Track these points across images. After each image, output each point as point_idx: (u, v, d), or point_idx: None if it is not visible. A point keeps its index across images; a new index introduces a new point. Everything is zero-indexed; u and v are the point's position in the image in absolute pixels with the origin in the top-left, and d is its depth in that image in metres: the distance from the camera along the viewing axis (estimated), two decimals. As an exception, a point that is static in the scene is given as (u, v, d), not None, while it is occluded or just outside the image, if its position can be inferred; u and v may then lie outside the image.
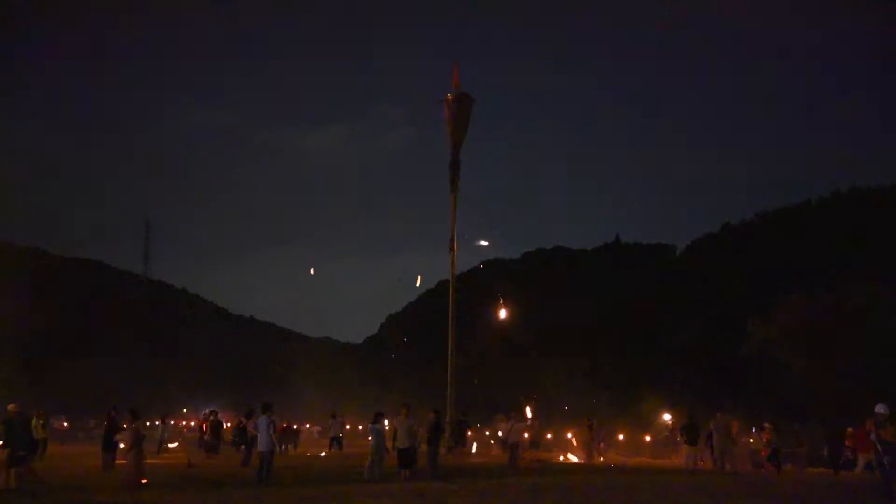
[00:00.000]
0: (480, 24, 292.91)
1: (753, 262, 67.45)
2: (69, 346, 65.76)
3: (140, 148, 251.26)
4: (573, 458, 25.83)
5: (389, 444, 14.90)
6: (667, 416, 34.31)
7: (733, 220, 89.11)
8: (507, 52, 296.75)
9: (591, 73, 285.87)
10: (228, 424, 28.89)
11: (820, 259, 56.55)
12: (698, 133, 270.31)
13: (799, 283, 42.22)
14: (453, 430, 23.05)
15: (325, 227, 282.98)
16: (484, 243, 33.87)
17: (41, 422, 19.37)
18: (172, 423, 35.64)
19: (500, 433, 25.37)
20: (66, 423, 45.20)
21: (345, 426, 30.56)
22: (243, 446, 19.62)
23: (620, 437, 37.37)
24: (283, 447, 23.35)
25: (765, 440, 20.45)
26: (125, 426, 13.87)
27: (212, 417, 24.58)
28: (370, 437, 15.54)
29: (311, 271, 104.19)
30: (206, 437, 24.10)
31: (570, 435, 32.03)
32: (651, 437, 36.10)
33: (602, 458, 25.32)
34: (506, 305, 33.59)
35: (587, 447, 24.59)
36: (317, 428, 42.47)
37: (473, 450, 26.30)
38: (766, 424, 20.73)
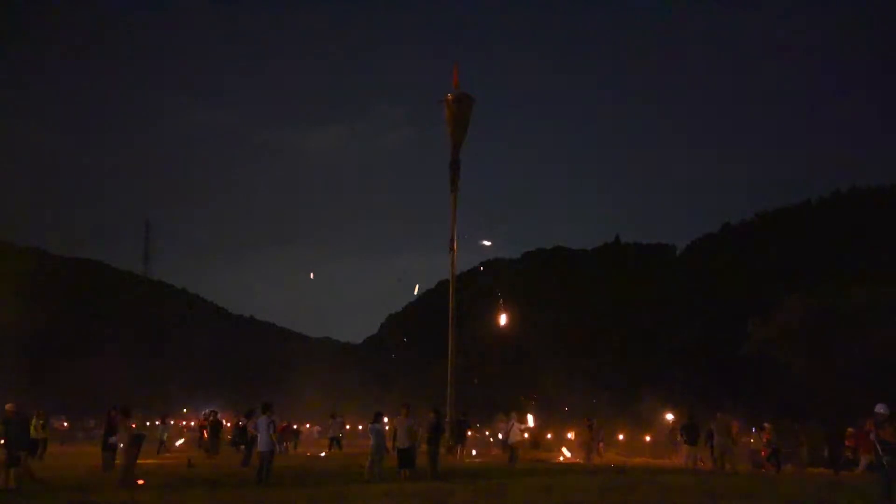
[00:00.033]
0: (480, 24, 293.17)
1: (753, 262, 67.45)
2: (69, 346, 65.74)
3: (140, 148, 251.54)
4: (567, 453, 25.92)
5: (389, 444, 14.90)
6: (669, 416, 34.26)
7: (733, 220, 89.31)
8: (507, 52, 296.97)
9: (591, 73, 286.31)
10: (228, 424, 28.92)
11: (820, 259, 56.58)
12: (698, 133, 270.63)
13: (799, 283, 42.27)
14: (453, 430, 23.04)
15: (325, 227, 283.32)
16: (487, 243, 33.94)
17: (41, 422, 19.39)
18: (173, 422, 35.64)
19: (500, 434, 25.37)
20: (66, 423, 45.12)
21: (344, 426, 30.57)
22: (243, 446, 19.64)
23: (620, 437, 37.34)
24: (283, 445, 23.37)
25: (765, 440, 20.46)
26: (121, 425, 13.89)
27: (211, 417, 24.60)
28: (370, 437, 15.54)
29: (311, 276, 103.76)
30: (205, 436, 24.12)
31: (570, 435, 32.04)
32: (651, 437, 36.05)
33: (602, 458, 25.33)
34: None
35: (586, 447, 24.59)
36: (317, 428, 42.43)
37: (474, 452, 26.31)
38: (766, 424, 20.75)
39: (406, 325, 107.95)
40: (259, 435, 13.68)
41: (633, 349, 65.15)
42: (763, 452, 20.99)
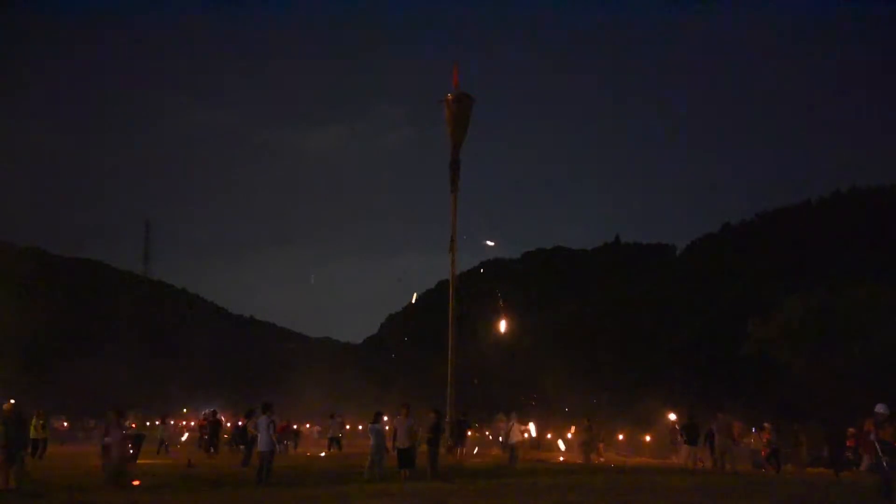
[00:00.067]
0: (480, 24, 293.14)
1: (753, 262, 67.35)
2: (69, 346, 65.80)
3: (140, 148, 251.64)
4: (562, 446, 25.95)
5: (389, 444, 14.90)
6: (672, 416, 34.26)
7: (733, 220, 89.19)
8: (507, 52, 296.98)
9: (591, 73, 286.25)
10: (228, 424, 28.91)
11: (820, 259, 56.52)
12: (698, 133, 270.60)
13: (799, 283, 42.21)
14: (453, 430, 23.04)
15: (325, 227, 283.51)
16: (490, 243, 33.83)
17: (41, 422, 19.34)
18: (173, 423, 35.66)
19: (500, 436, 25.36)
20: (66, 423, 45.17)
21: (344, 426, 30.57)
22: (243, 446, 19.63)
23: (620, 437, 37.32)
24: (283, 444, 23.37)
25: (765, 440, 20.45)
26: (113, 424, 13.92)
27: (211, 417, 24.60)
28: (370, 437, 15.54)
29: (312, 280, 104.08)
30: (205, 436, 24.13)
31: (570, 435, 32.06)
32: (652, 437, 36.02)
33: (602, 459, 25.33)
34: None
35: (586, 447, 24.59)
36: (317, 428, 42.42)
37: (475, 452, 26.30)
38: (766, 424, 20.74)
39: (406, 325, 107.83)
40: (259, 435, 13.68)
41: (633, 349, 65.08)
42: (763, 452, 20.99)
